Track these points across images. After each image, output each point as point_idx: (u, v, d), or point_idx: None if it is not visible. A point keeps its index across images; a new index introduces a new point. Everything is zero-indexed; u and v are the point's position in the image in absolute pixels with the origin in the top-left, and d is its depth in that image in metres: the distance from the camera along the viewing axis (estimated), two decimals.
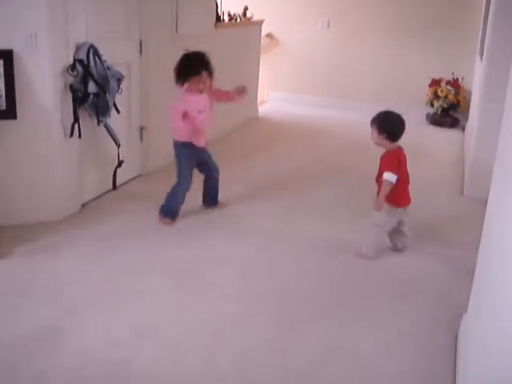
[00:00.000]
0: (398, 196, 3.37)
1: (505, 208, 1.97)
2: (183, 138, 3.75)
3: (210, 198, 4.10)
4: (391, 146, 3.36)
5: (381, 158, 3.40)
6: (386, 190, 3.29)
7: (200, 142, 3.81)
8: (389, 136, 3.32)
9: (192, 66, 3.64)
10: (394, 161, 3.32)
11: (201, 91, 3.67)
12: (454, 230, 3.98)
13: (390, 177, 3.27)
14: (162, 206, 3.84)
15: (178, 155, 3.83)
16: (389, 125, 3.32)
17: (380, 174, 3.35)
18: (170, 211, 3.84)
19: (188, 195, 3.85)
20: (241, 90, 3.92)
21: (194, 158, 3.85)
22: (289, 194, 4.47)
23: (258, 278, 3.22)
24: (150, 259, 3.34)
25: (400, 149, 3.38)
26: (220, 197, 4.13)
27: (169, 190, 3.83)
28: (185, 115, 3.65)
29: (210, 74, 3.68)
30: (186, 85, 3.66)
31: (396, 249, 3.56)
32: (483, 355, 1.92)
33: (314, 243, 3.65)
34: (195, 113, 3.63)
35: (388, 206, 3.36)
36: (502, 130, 2.31)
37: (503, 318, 1.69)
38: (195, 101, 3.65)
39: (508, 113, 2.25)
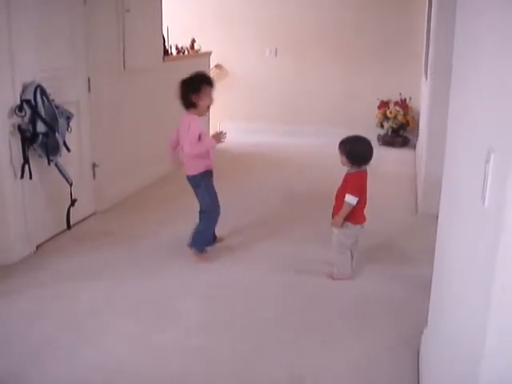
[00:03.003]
0: (356, 214, 3.45)
1: (452, 222, 2.01)
2: (201, 167, 3.69)
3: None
4: (358, 168, 3.42)
5: (347, 176, 3.45)
6: (345, 210, 3.38)
7: (210, 165, 3.75)
8: (354, 163, 3.40)
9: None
10: (360, 184, 3.40)
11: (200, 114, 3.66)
12: (410, 247, 4.04)
13: (351, 200, 3.36)
14: (192, 243, 3.72)
15: (201, 186, 3.71)
16: (355, 153, 3.39)
17: (342, 191, 3.42)
18: (206, 243, 3.78)
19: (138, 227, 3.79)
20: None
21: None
22: (252, 218, 4.48)
23: (221, 305, 3.20)
24: (110, 297, 3.28)
25: (365, 172, 3.45)
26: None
27: (198, 227, 3.72)
28: (199, 139, 3.58)
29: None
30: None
31: None
32: (441, 369, 1.94)
33: (277, 266, 3.67)
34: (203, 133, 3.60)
35: (347, 224, 3.44)
36: (447, 143, 2.37)
37: (455, 330, 1.71)
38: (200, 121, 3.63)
39: (450, 130, 2.31)
